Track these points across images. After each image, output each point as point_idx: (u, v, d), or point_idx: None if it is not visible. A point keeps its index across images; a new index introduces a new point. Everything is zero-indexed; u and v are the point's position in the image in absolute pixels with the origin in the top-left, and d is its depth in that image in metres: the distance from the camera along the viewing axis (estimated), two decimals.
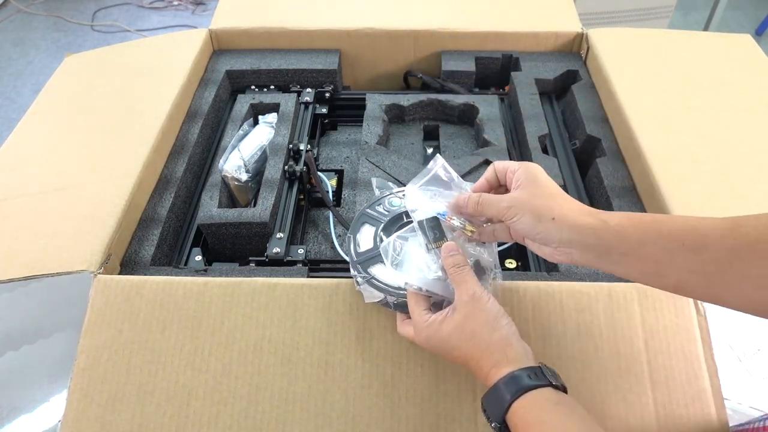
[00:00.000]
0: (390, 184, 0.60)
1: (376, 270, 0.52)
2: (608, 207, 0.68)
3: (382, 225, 0.56)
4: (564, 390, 0.42)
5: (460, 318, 0.45)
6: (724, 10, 2.04)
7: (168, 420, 0.50)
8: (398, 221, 0.57)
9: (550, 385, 0.42)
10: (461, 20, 0.93)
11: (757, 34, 2.45)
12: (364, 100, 0.82)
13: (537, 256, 0.65)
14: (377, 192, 0.60)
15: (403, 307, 0.50)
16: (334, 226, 0.72)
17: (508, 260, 0.67)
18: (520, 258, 0.68)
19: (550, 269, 0.64)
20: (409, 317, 0.49)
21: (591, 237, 0.43)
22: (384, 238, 0.54)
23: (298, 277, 0.58)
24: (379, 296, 0.51)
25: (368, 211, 0.58)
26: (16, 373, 0.69)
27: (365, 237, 0.56)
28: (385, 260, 0.51)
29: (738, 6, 2.65)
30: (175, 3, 2.80)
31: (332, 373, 0.52)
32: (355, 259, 0.54)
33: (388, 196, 0.59)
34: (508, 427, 0.41)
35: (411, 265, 0.50)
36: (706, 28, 2.08)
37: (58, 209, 0.63)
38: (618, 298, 0.54)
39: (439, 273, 0.49)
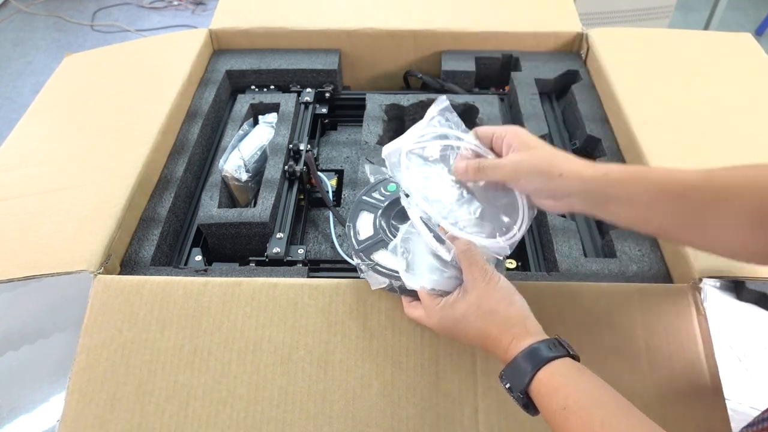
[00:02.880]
0: (383, 169, 0.58)
1: (379, 256, 0.52)
2: None
3: (380, 210, 0.56)
4: (578, 360, 0.44)
5: (473, 298, 0.46)
6: (724, 10, 2.04)
7: (167, 419, 0.50)
8: (396, 205, 0.57)
9: (569, 354, 0.43)
10: (461, 20, 0.93)
11: (757, 34, 2.45)
12: (364, 100, 0.82)
13: (537, 256, 0.65)
14: (371, 179, 0.60)
15: (408, 290, 0.50)
16: (334, 226, 0.72)
17: (508, 260, 0.67)
18: (520, 258, 0.68)
19: (549, 269, 0.64)
20: (415, 299, 0.50)
21: (594, 188, 0.46)
22: (383, 223, 0.55)
23: (298, 277, 0.58)
24: (384, 282, 0.51)
25: (365, 198, 0.58)
26: (16, 373, 0.69)
27: (365, 224, 0.56)
28: (401, 271, 0.49)
29: (738, 6, 2.65)
30: (175, 3, 2.80)
31: (332, 373, 0.52)
32: (357, 247, 0.53)
33: (383, 182, 0.59)
34: (530, 397, 0.42)
35: (421, 265, 0.50)
36: (706, 28, 2.08)
37: (58, 209, 0.63)
38: (618, 298, 0.54)
39: (450, 271, 0.49)
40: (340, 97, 0.91)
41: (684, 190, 0.43)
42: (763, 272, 0.55)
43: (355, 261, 0.53)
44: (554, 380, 0.41)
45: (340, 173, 0.82)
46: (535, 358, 0.42)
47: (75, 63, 0.90)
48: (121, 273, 0.61)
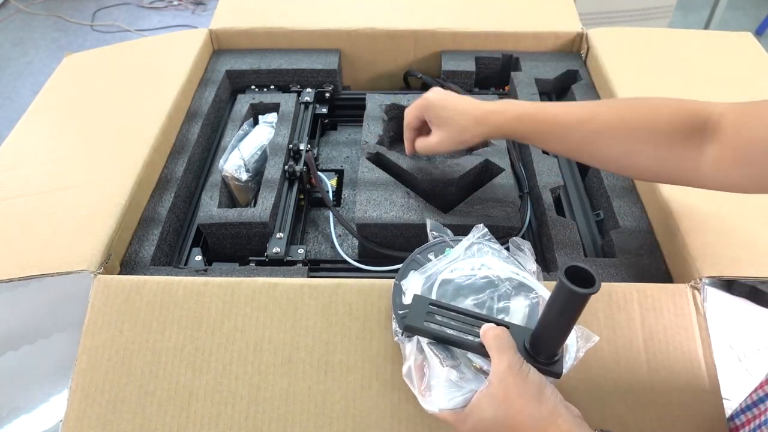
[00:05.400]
0: (447, 230, 0.56)
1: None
2: (608, 206, 0.68)
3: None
4: None
5: (501, 393, 0.41)
6: (724, 10, 2.04)
7: (169, 420, 0.50)
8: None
9: None
10: (461, 20, 0.93)
11: (758, 33, 2.46)
12: (364, 100, 0.82)
13: (536, 252, 0.64)
14: (431, 236, 0.56)
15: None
16: (335, 226, 0.72)
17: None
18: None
19: (549, 269, 0.64)
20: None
21: (498, 134, 0.60)
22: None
23: (298, 277, 0.58)
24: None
25: (418, 257, 0.53)
26: (16, 373, 0.69)
27: (412, 286, 0.50)
28: (417, 395, 0.46)
29: (738, 6, 2.65)
30: (175, 3, 2.79)
31: (332, 374, 0.52)
32: (399, 312, 0.49)
33: (440, 243, 0.54)
34: None
35: (438, 385, 0.45)
36: (706, 28, 2.08)
37: (58, 209, 0.63)
38: (618, 298, 0.54)
39: (468, 386, 0.44)
40: (340, 97, 0.91)
41: (566, 130, 0.55)
42: (763, 272, 0.55)
43: (393, 325, 0.50)
44: None
45: (340, 173, 0.82)
46: None
47: (75, 63, 0.90)
48: (120, 273, 0.61)
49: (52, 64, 0.99)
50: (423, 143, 0.65)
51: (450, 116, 0.61)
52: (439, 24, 0.92)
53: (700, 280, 0.54)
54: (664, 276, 0.60)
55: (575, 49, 0.93)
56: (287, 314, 0.54)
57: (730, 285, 0.72)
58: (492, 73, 0.94)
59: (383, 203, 0.66)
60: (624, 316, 0.54)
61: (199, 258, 0.67)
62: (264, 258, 0.66)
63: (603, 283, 0.55)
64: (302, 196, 0.77)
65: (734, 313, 0.73)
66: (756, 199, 0.62)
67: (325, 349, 0.53)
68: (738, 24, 2.55)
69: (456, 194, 0.70)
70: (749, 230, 0.59)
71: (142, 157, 0.68)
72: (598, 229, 0.71)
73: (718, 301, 0.74)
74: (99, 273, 0.56)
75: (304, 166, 0.75)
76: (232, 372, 0.52)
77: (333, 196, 0.77)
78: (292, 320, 0.54)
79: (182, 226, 0.73)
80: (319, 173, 0.77)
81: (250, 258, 0.67)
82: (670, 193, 0.63)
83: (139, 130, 0.72)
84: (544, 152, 0.75)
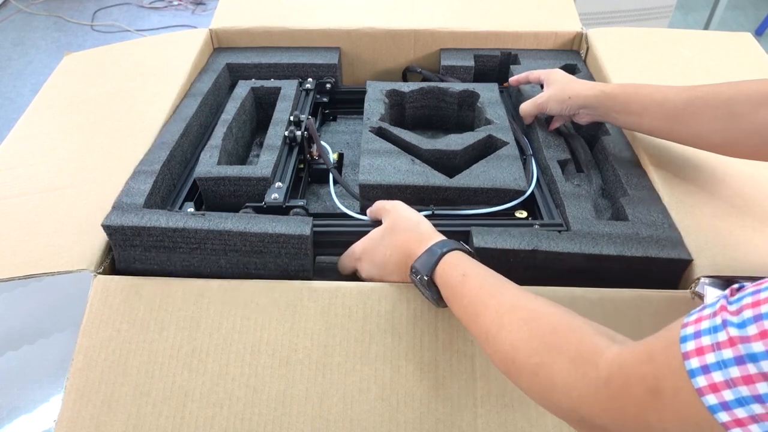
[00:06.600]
0: None
1: None
2: (616, 178, 0.67)
3: None
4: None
5: (388, 223, 0.57)
6: (724, 10, 2.04)
7: (164, 421, 0.50)
8: None
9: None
10: (461, 20, 0.93)
11: (757, 34, 2.45)
12: (364, 93, 0.81)
13: (548, 206, 0.66)
14: None
15: None
16: (335, 185, 0.70)
17: (518, 211, 0.65)
18: (531, 212, 0.66)
19: (562, 226, 0.61)
20: None
21: (595, 103, 0.66)
22: None
23: (301, 227, 0.56)
24: None
25: None
26: (16, 373, 0.69)
27: None
28: None
29: (738, 6, 2.65)
30: (175, 3, 2.80)
31: (330, 376, 0.52)
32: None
33: None
34: (434, 283, 0.49)
35: None
36: (706, 28, 2.07)
37: (58, 209, 0.63)
38: (618, 302, 0.54)
39: None
40: (340, 91, 0.90)
41: (667, 95, 0.59)
42: (763, 272, 0.55)
43: None
44: (457, 258, 0.49)
45: (340, 156, 0.80)
46: (444, 245, 0.50)
47: (75, 62, 0.90)
48: (111, 216, 0.57)
49: (52, 64, 0.99)
50: (531, 101, 0.73)
51: (563, 76, 0.72)
52: (439, 23, 0.92)
53: (701, 280, 0.54)
54: (678, 241, 0.57)
55: (575, 48, 0.93)
56: (286, 316, 0.54)
57: (730, 285, 0.71)
58: (490, 69, 0.93)
59: (387, 168, 0.66)
60: (624, 317, 0.53)
61: (191, 210, 0.64)
62: (262, 205, 0.63)
63: (604, 289, 0.55)
64: (302, 166, 0.74)
65: None
66: (756, 198, 0.62)
67: (324, 352, 0.53)
68: (738, 24, 2.55)
69: (460, 166, 0.69)
70: (749, 230, 0.59)
71: (142, 156, 0.68)
72: (610, 198, 0.69)
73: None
74: (99, 273, 0.56)
75: (305, 131, 0.74)
76: (229, 373, 0.52)
77: (334, 192, 0.74)
78: (291, 322, 0.54)
79: (176, 184, 0.70)
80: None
81: (247, 204, 0.64)
82: (670, 193, 0.63)
83: (139, 130, 0.72)
84: (558, 133, 0.75)
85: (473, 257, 0.50)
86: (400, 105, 0.83)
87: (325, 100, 0.87)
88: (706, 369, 0.28)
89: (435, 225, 0.55)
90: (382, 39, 0.93)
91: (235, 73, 0.91)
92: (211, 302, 0.55)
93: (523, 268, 0.57)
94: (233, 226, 0.57)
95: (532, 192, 0.67)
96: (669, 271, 0.57)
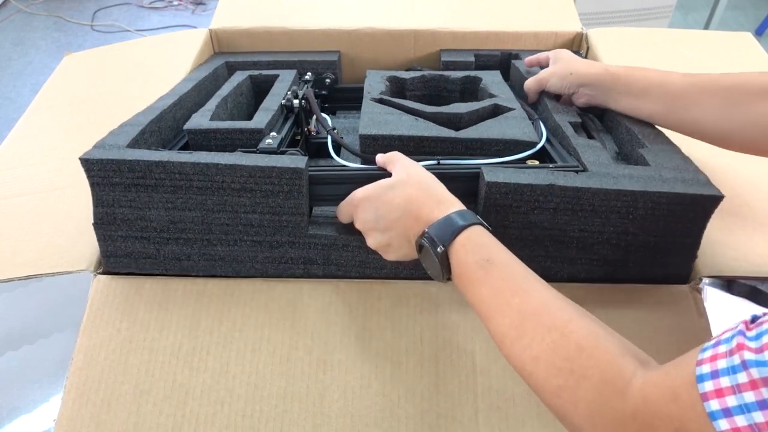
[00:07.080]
0: None
1: None
2: (631, 138, 0.64)
3: None
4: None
5: (404, 174, 0.50)
6: (724, 10, 2.04)
7: (164, 419, 0.50)
8: None
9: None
10: (461, 20, 0.93)
11: (757, 34, 2.45)
12: (362, 89, 0.80)
13: (562, 156, 0.61)
14: None
15: None
16: (333, 147, 0.65)
17: (530, 160, 0.62)
18: (540, 158, 0.63)
19: (579, 167, 0.57)
20: None
21: (596, 81, 0.65)
22: None
23: (295, 162, 0.52)
24: None
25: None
26: (16, 373, 0.69)
27: None
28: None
29: (738, 6, 2.65)
30: (175, 3, 2.80)
31: (331, 373, 0.52)
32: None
33: None
34: (447, 256, 0.44)
35: None
36: (706, 28, 2.08)
37: (58, 209, 0.63)
38: (618, 299, 0.54)
39: None
40: (339, 88, 0.90)
41: (668, 79, 0.59)
42: (763, 272, 0.55)
43: None
44: (481, 237, 0.44)
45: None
46: (465, 216, 0.45)
47: (75, 62, 0.90)
48: (90, 153, 0.54)
49: (52, 64, 0.99)
50: (534, 77, 0.72)
51: (569, 55, 0.72)
52: (439, 23, 0.92)
53: (701, 280, 0.54)
54: (704, 183, 0.54)
55: (575, 48, 0.93)
56: (286, 314, 0.54)
57: (730, 285, 0.71)
58: (490, 68, 0.93)
59: (390, 122, 0.62)
60: (624, 316, 0.53)
61: None
62: (254, 150, 0.59)
63: (604, 285, 0.55)
64: (299, 138, 0.70)
65: (734, 313, 0.73)
66: (756, 199, 0.62)
67: (324, 349, 0.53)
68: (738, 24, 2.55)
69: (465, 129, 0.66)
70: (749, 230, 0.59)
71: None
72: (623, 161, 0.65)
73: (718, 301, 0.73)
74: (99, 273, 0.56)
75: (303, 99, 0.70)
76: (230, 371, 0.52)
77: (333, 149, 0.68)
78: (291, 320, 0.54)
79: (165, 144, 0.65)
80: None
81: (240, 149, 0.60)
82: None
83: None
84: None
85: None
86: (400, 93, 0.81)
87: (324, 92, 0.87)
88: (728, 412, 0.28)
89: (439, 171, 0.52)
90: (382, 39, 0.93)
91: (233, 69, 0.90)
92: (211, 301, 0.55)
93: (539, 212, 0.53)
94: (222, 160, 0.52)
95: (543, 146, 0.63)
96: (699, 208, 0.53)
